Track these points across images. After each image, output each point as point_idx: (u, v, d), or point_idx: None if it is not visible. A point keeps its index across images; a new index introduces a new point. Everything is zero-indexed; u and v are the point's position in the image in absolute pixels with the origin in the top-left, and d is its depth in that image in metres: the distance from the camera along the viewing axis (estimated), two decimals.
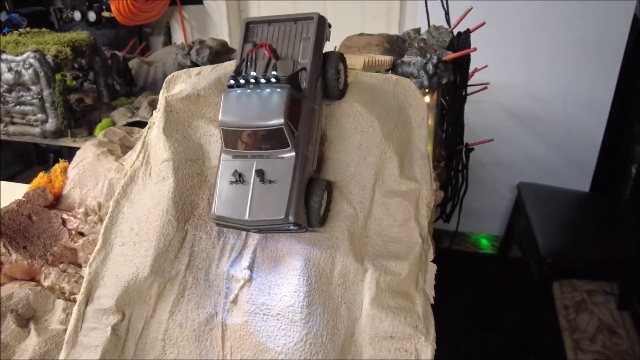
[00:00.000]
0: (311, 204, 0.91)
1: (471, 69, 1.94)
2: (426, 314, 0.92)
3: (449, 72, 1.54)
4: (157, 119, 1.08)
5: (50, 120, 2.08)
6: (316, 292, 0.93)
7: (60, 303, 1.21)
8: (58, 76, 1.95)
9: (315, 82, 0.96)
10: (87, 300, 0.98)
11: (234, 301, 0.94)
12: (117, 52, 2.46)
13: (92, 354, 0.92)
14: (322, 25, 0.97)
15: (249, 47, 0.96)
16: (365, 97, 1.02)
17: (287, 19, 0.99)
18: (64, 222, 1.41)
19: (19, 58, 2.03)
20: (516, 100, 2.94)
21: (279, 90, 0.88)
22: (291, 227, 0.90)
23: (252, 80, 0.91)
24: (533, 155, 3.03)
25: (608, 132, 2.83)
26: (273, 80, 0.89)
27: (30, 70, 2.03)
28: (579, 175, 2.94)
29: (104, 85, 2.31)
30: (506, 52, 2.83)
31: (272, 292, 0.93)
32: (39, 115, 2.08)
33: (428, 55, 1.51)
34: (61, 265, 1.34)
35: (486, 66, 2.20)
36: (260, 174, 0.88)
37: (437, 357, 0.89)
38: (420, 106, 1.04)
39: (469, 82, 1.95)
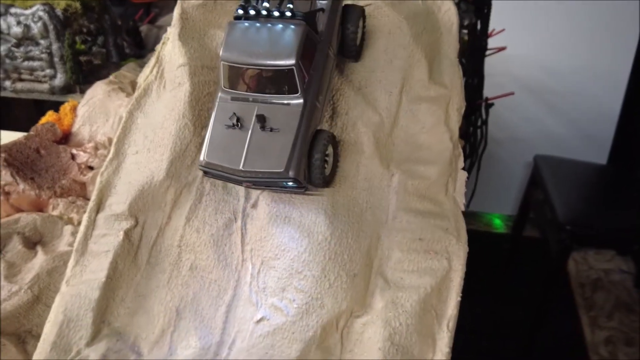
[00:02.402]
0: (313, 159, 0.81)
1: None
2: (457, 218, 0.87)
3: (471, 13, 1.49)
4: (172, 28, 1.03)
5: (59, 75, 2.04)
6: (339, 196, 0.88)
7: (68, 228, 1.16)
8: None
9: (333, 27, 0.87)
10: (98, 208, 0.93)
11: (254, 205, 0.89)
12: None
13: (102, 259, 0.88)
14: None
15: None
16: None
17: None
18: (73, 156, 1.36)
19: (27, 11, 1.99)
20: (531, 73, 2.89)
21: (293, 26, 0.79)
22: (289, 183, 0.79)
23: (264, 12, 0.81)
24: (549, 130, 2.96)
25: (625, 104, 2.77)
26: (288, 14, 0.79)
27: (39, 24, 1.99)
28: (596, 149, 2.88)
29: (113, 45, 2.26)
30: (521, 24, 2.78)
31: (294, 195, 0.87)
32: (48, 71, 2.04)
33: None
34: (70, 198, 1.29)
35: (503, 30, 2.15)
36: (261, 119, 0.78)
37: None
38: (450, 11, 0.99)
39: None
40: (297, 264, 0.83)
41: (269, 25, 0.80)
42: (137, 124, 1.00)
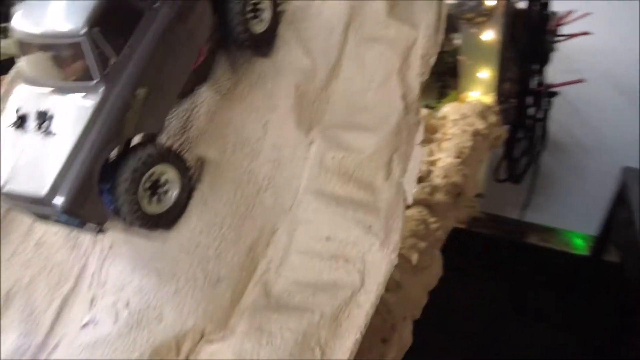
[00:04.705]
0: (119, 185, 0.55)
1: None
2: (392, 214, 0.58)
3: None
4: None
5: None
6: (229, 165, 0.62)
7: None
8: None
9: None
10: None
11: None
12: None
13: None
14: None
15: None
16: None
17: None
18: None
19: None
20: (625, 70, 2.41)
21: None
22: (62, 217, 0.54)
23: None
24: None
25: None
26: None
27: None
28: None
29: None
30: (616, 10, 2.31)
31: None
32: None
33: None
34: None
35: (587, 14, 1.75)
36: (41, 117, 0.55)
37: None
38: None
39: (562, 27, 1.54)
40: (145, 253, 0.59)
41: None
42: None
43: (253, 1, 0.64)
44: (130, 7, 0.54)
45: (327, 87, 0.67)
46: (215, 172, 0.62)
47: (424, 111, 1.48)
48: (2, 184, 0.53)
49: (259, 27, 0.65)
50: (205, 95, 0.68)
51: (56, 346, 0.60)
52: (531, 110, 1.55)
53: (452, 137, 1.30)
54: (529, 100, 1.48)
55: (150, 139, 0.62)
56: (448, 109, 1.46)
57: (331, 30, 0.67)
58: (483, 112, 1.35)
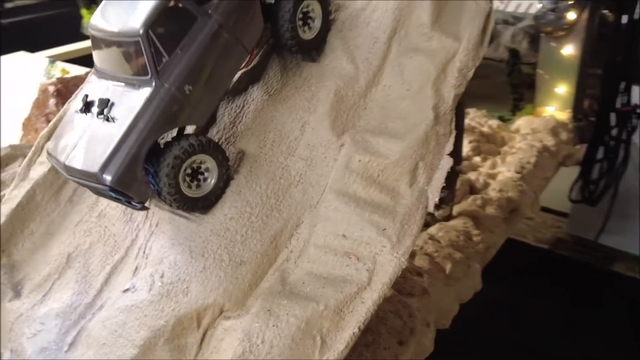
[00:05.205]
0: (161, 169, 0.61)
1: None
2: (408, 220, 0.60)
3: None
4: None
5: None
6: (265, 160, 0.67)
7: None
8: None
9: (245, 6, 0.65)
10: (50, 135, 0.86)
11: None
12: None
13: (26, 188, 0.80)
14: None
15: None
16: None
17: None
18: None
19: None
20: None
21: None
22: (111, 193, 0.61)
23: None
24: None
25: None
26: None
27: None
28: None
29: None
30: None
31: None
32: None
33: None
34: None
35: None
36: (103, 104, 0.62)
37: None
38: None
39: None
40: (183, 232, 0.65)
41: None
42: None
43: (304, 10, 0.68)
44: (186, 12, 0.60)
45: (366, 94, 0.69)
46: (253, 165, 0.67)
47: (495, 122, 1.46)
48: (65, 158, 0.62)
49: (308, 34, 0.69)
50: (255, 95, 0.74)
51: (101, 307, 0.68)
52: (614, 131, 1.46)
53: (518, 151, 1.27)
54: (612, 119, 1.40)
55: (200, 132, 0.68)
56: (521, 122, 1.42)
57: (376, 39, 0.70)
58: (555, 128, 1.30)
